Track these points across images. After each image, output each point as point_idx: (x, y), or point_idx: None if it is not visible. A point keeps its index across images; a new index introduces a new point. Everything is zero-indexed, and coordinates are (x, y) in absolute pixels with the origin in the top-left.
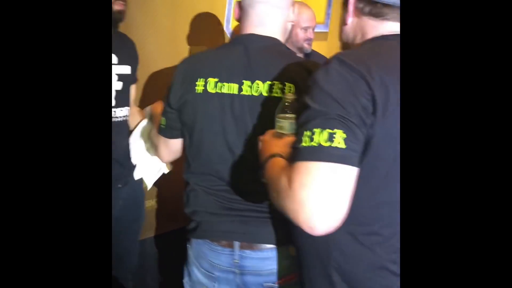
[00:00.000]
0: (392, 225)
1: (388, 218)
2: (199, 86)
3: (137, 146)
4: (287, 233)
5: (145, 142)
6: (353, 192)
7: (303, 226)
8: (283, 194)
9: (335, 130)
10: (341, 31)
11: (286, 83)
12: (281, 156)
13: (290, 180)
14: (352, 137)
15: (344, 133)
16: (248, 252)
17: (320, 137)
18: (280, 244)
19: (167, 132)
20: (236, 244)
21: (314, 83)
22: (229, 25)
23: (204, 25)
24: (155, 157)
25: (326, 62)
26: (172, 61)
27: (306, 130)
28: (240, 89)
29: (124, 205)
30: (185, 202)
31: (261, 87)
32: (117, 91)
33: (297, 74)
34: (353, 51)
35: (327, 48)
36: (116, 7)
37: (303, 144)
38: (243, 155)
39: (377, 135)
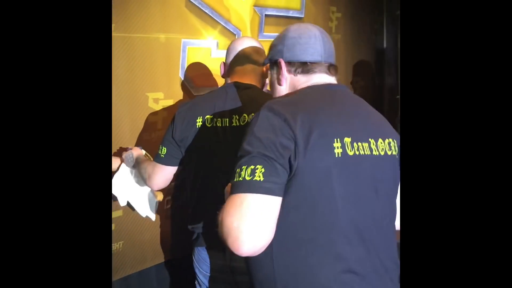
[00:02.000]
0: (326, 247)
1: (322, 241)
2: (199, 122)
3: (124, 186)
4: None
5: (134, 178)
6: (275, 218)
7: (231, 248)
8: (218, 223)
9: (257, 166)
10: (275, 92)
11: None
12: None
13: (221, 211)
14: (272, 171)
15: (263, 168)
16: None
17: (244, 173)
18: None
19: (167, 160)
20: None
21: (249, 127)
22: (184, 72)
23: (160, 72)
24: (145, 189)
25: (258, 111)
26: (132, 108)
27: (237, 168)
28: (230, 122)
29: None
30: (190, 218)
31: (247, 119)
32: None
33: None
34: (282, 98)
35: None
36: None
37: (234, 179)
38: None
39: (301, 167)
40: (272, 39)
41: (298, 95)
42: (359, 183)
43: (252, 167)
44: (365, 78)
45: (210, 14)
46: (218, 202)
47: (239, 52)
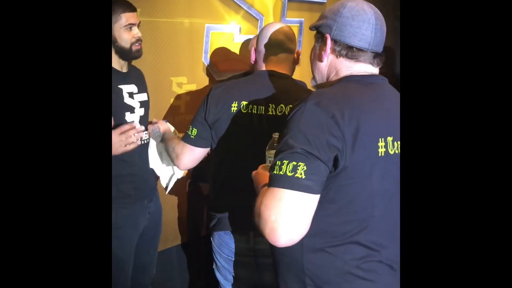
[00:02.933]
0: (358, 240)
1: (352, 232)
2: (234, 107)
3: (151, 155)
4: None
5: (160, 153)
6: (312, 213)
7: (268, 239)
8: (255, 213)
9: (299, 163)
10: (315, 67)
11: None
12: None
13: (260, 202)
14: (314, 169)
15: (305, 165)
16: (260, 239)
17: (286, 168)
18: None
19: (197, 141)
20: (251, 233)
21: (291, 120)
22: (207, 56)
23: (184, 57)
24: (166, 166)
25: (304, 101)
26: (156, 92)
27: (278, 160)
28: (267, 110)
29: (150, 219)
30: (212, 202)
31: (284, 109)
32: (140, 116)
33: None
34: (327, 92)
35: (299, 72)
36: (134, 47)
37: (274, 172)
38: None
39: (346, 165)
40: (294, 24)
41: (342, 87)
42: (392, 181)
43: (295, 163)
44: (386, 65)
45: None
46: (243, 189)
47: (272, 38)
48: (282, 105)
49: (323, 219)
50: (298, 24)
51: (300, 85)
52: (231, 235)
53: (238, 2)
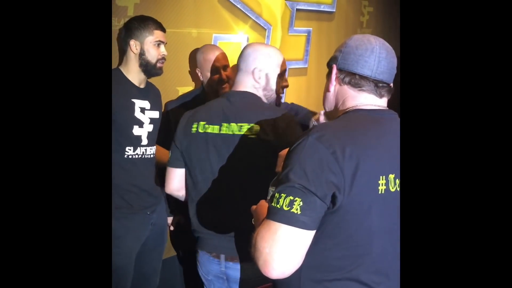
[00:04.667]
0: (354, 276)
1: (350, 268)
2: (194, 128)
3: None
4: None
5: None
6: (306, 248)
7: (261, 270)
8: (252, 243)
9: (296, 198)
10: (324, 97)
11: (253, 124)
12: None
13: (257, 233)
14: (310, 206)
15: (302, 201)
16: (231, 264)
17: (283, 202)
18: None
19: (174, 162)
20: (222, 256)
21: (293, 152)
22: None
23: (188, 67)
24: None
25: (306, 134)
26: (162, 101)
27: (277, 192)
28: (220, 129)
29: (152, 229)
30: (191, 222)
31: (233, 128)
32: (148, 132)
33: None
34: (331, 125)
35: (306, 82)
36: (159, 64)
37: (272, 204)
38: (227, 183)
39: (345, 202)
40: (302, 34)
41: (347, 121)
42: (392, 218)
43: (291, 198)
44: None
45: (241, 9)
46: (215, 209)
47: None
48: (232, 124)
49: (320, 252)
50: (306, 34)
51: (257, 99)
52: (206, 255)
53: (246, 12)
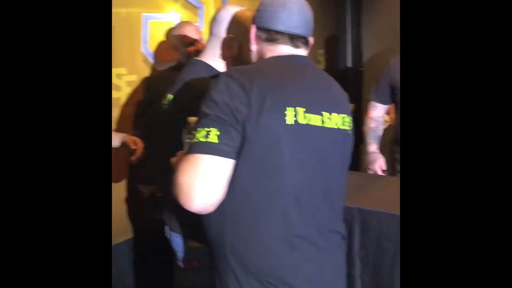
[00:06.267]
0: (275, 211)
1: (271, 204)
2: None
3: None
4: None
5: None
6: (227, 178)
7: (183, 205)
8: (173, 184)
9: (211, 129)
10: (248, 58)
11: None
12: None
13: (176, 170)
14: (226, 134)
15: (218, 130)
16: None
17: (200, 134)
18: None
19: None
20: (167, 227)
21: (208, 92)
22: (146, 46)
23: (123, 47)
24: None
25: (219, 76)
26: None
27: (194, 130)
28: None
29: None
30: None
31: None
32: None
33: None
34: (242, 66)
35: None
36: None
37: (190, 141)
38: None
39: (253, 133)
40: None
41: (260, 64)
42: (307, 152)
43: (207, 129)
44: (331, 51)
45: None
46: None
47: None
48: None
49: (242, 190)
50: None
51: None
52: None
53: None
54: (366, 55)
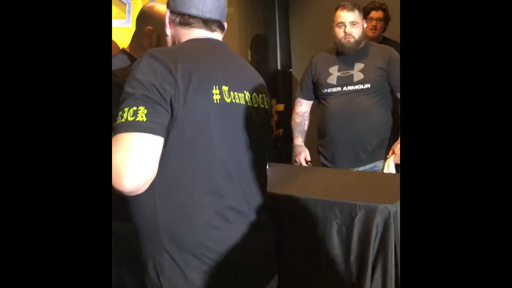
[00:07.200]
0: (205, 185)
1: (201, 179)
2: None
3: None
4: None
5: None
6: (157, 157)
7: (114, 186)
8: None
9: (139, 107)
10: (165, 43)
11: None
12: None
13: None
14: (154, 112)
15: (145, 109)
16: None
17: (127, 114)
18: None
19: None
20: None
21: (130, 73)
22: None
23: None
24: None
25: (141, 57)
26: None
27: (119, 111)
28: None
29: None
30: None
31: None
32: None
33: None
34: (162, 47)
35: None
36: None
37: (117, 122)
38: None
39: (180, 112)
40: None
41: (179, 46)
42: (234, 128)
43: (135, 108)
44: (260, 52)
45: None
46: None
47: None
48: None
49: (171, 169)
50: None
51: None
52: None
53: None
54: (294, 57)
